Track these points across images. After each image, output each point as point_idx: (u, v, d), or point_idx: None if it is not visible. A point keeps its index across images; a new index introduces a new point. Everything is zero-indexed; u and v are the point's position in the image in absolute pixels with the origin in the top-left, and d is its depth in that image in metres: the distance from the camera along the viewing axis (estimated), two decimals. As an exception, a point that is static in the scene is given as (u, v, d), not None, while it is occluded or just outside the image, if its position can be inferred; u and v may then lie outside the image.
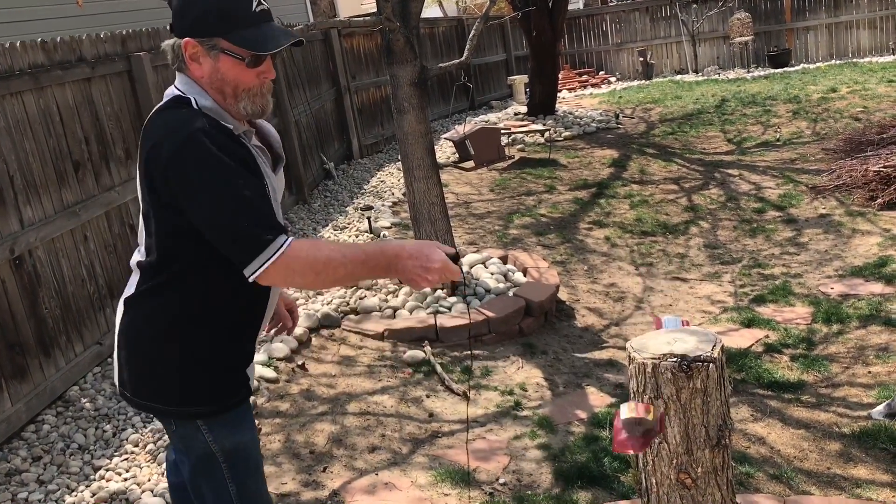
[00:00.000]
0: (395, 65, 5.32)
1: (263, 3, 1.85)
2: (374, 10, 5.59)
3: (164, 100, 1.92)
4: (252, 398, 4.24)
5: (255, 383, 2.17)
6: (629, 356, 1.90)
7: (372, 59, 11.51)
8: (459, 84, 10.75)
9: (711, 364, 1.77)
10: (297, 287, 1.80)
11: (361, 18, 5.47)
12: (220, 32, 1.81)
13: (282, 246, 1.68)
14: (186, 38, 1.84)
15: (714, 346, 1.83)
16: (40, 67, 4.53)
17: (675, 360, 1.78)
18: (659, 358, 1.81)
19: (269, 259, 1.68)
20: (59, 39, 4.74)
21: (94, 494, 3.50)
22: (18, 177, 4.26)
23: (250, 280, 1.72)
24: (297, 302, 5.67)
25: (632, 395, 1.94)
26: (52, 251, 4.45)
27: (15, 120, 4.29)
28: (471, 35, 5.40)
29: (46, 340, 4.33)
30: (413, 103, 5.38)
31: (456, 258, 1.79)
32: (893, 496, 3.28)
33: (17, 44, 4.39)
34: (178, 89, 1.89)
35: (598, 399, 4.43)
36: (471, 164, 9.62)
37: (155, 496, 3.48)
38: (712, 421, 1.79)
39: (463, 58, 5.35)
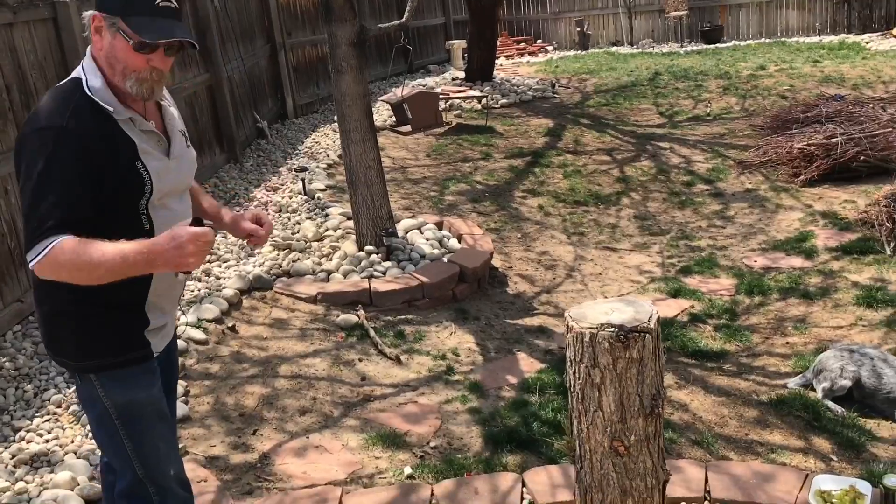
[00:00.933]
0: (334, 23, 5.22)
1: (171, 2, 2.00)
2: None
3: (69, 76, 2.07)
4: (182, 360, 4.17)
5: (158, 348, 2.21)
6: (567, 325, 1.93)
7: (309, 16, 11.27)
8: (399, 46, 10.62)
9: (648, 335, 1.81)
10: (69, 281, 1.92)
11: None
12: (121, 13, 1.96)
13: (48, 247, 1.83)
14: (95, 12, 2.00)
15: (651, 317, 1.87)
16: (-43, 10, 4.29)
17: (612, 329, 1.82)
18: (597, 328, 1.85)
19: (37, 255, 1.84)
20: (-23, -19, 4.49)
21: (13, 456, 3.40)
22: (-67, 125, 4.05)
23: (31, 266, 1.88)
24: (228, 263, 5.58)
25: (568, 364, 1.97)
26: (-31, 204, 4.26)
27: (-71, 65, 4.06)
28: (411, -4, 5.33)
29: (-37, 297, 4.16)
30: (351, 63, 5.30)
31: (199, 222, 1.89)
32: (805, 461, 3.43)
33: (-68, -17, 4.14)
34: (82, 67, 2.04)
35: (528, 364, 4.49)
36: (408, 128, 9.55)
37: (78, 458, 3.40)
38: (647, 390, 1.84)
39: (403, 19, 5.29)
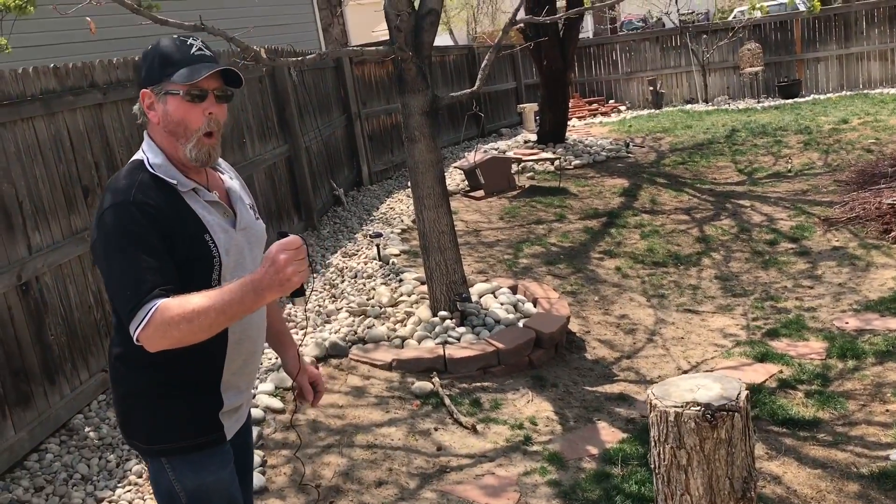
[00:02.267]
0: (407, 94, 5.30)
1: (206, 50, 2.05)
2: (386, 37, 5.60)
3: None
4: (259, 429, 4.17)
5: (231, 430, 2.18)
6: (650, 403, 1.83)
7: (383, 86, 11.54)
8: (471, 113, 10.74)
9: (737, 413, 1.70)
10: (179, 342, 1.87)
11: (374, 48, 5.46)
12: (164, 75, 2.00)
13: (150, 310, 1.83)
14: (142, 90, 2.05)
15: (739, 394, 1.76)
16: (52, 93, 4.52)
17: (698, 408, 1.72)
18: (682, 406, 1.75)
19: (141, 322, 1.83)
20: (71, 65, 4.75)
21: (95, 527, 3.44)
22: (27, 202, 4.24)
23: (136, 342, 1.87)
24: (306, 331, 5.62)
25: (652, 444, 1.87)
26: (59, 277, 4.42)
27: (25, 145, 4.28)
28: (483, 65, 5.39)
29: (52, 367, 4.28)
30: (424, 132, 5.36)
31: (283, 234, 1.85)
32: (915, 541, 3.19)
33: (30, 69, 4.39)
34: (141, 149, 2.09)
35: (609, 434, 4.34)
36: (480, 193, 9.59)
37: (157, 530, 3.41)
38: (737, 473, 1.72)
39: (474, 87, 5.34)
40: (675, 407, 1.76)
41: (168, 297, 1.84)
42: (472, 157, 9.58)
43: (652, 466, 1.89)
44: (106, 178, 4.95)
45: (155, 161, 2.04)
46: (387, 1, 5.17)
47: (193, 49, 2.03)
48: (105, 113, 5.00)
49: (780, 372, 4.92)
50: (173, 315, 1.82)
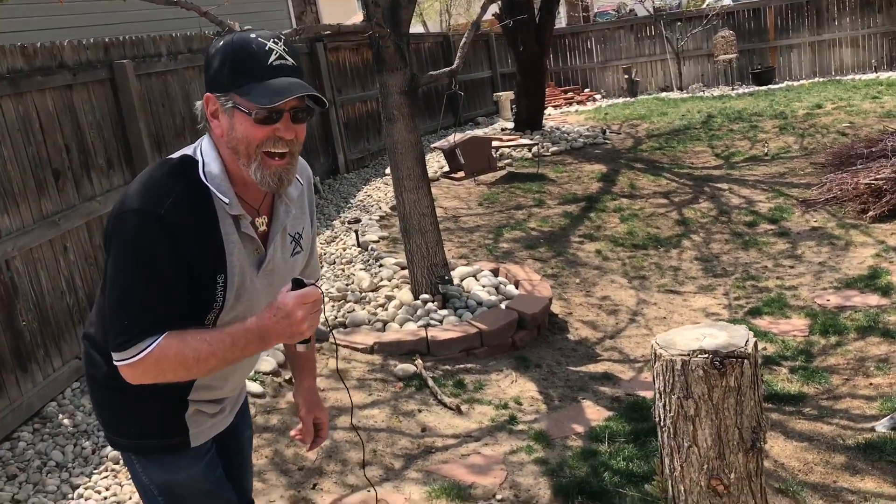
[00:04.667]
0: (385, 72, 5.22)
1: (286, 58, 1.72)
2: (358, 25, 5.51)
3: (179, 153, 1.83)
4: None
5: (203, 437, 2.02)
6: (654, 353, 1.78)
7: (358, 73, 11.42)
8: (450, 92, 10.65)
9: (745, 360, 1.65)
10: (168, 381, 1.75)
11: (351, 24, 5.37)
12: (234, 86, 1.70)
13: (146, 350, 1.68)
14: (207, 94, 1.75)
15: (747, 341, 1.71)
16: (19, 73, 4.39)
17: (706, 356, 1.66)
18: (689, 354, 1.69)
19: (132, 358, 1.69)
20: (39, 45, 4.61)
21: (71, 514, 3.34)
22: (-4, 184, 4.11)
23: (118, 366, 1.73)
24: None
25: (657, 397, 1.81)
26: (30, 262, 4.29)
27: (-7, 125, 4.15)
28: (462, 43, 5.31)
29: (23, 354, 4.16)
30: (403, 112, 5.28)
31: (301, 284, 1.68)
32: (904, 509, 3.18)
33: (-4, 47, 4.25)
34: (199, 148, 1.81)
35: (594, 413, 4.31)
36: (461, 174, 9.50)
37: (136, 515, 3.32)
38: (746, 422, 1.67)
39: (454, 65, 5.26)
40: (682, 355, 1.71)
41: (167, 331, 1.69)
42: (452, 138, 9.49)
43: (656, 420, 1.84)
44: (78, 161, 4.82)
45: (210, 170, 1.76)
46: (363, -22, 5.08)
47: (273, 57, 1.69)
48: (75, 94, 4.87)
49: (765, 349, 4.91)
50: (169, 360, 1.69)
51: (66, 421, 4.13)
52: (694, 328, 1.82)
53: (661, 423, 1.80)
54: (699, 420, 1.70)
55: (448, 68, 5.36)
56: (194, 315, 1.78)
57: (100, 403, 1.99)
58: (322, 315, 1.69)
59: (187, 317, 1.76)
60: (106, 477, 3.66)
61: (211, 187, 1.74)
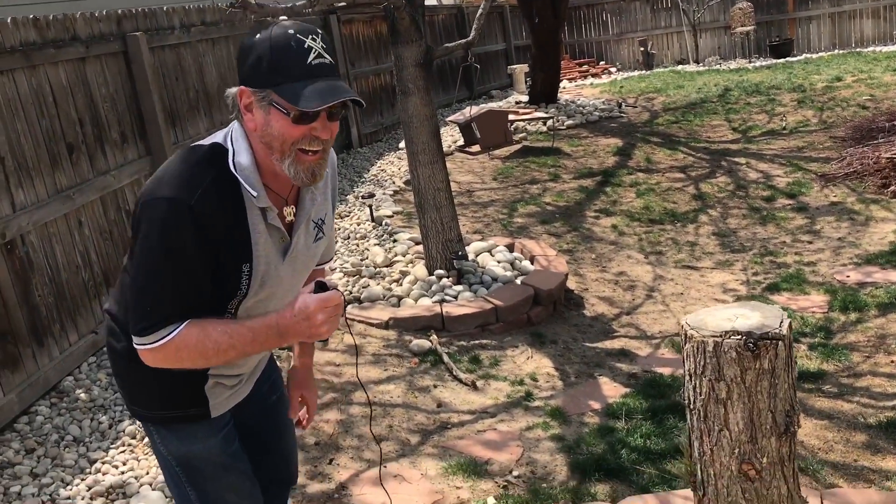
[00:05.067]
0: (400, 45, 5.15)
1: (325, 56, 1.72)
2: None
3: (210, 139, 1.82)
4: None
5: (222, 408, 2.02)
6: (684, 334, 1.74)
7: (371, 46, 11.33)
8: (466, 65, 10.52)
9: (780, 342, 1.61)
10: (188, 367, 1.79)
11: (365, -3, 5.29)
12: (271, 84, 1.69)
13: (167, 336, 1.71)
14: (242, 87, 1.75)
15: (782, 322, 1.66)
16: (32, 45, 4.35)
17: (739, 337, 1.62)
18: (721, 336, 1.65)
19: (152, 343, 1.72)
20: (51, 17, 4.57)
21: (89, 488, 3.35)
22: (10, 158, 4.09)
23: (139, 350, 1.76)
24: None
25: (687, 378, 1.78)
26: (45, 236, 4.28)
27: (6, 99, 4.12)
28: (478, 14, 5.23)
29: (39, 329, 4.16)
30: (418, 85, 5.21)
31: (323, 287, 1.71)
32: (926, 489, 3.14)
33: (8, 20, 4.21)
34: (230, 137, 1.80)
35: (611, 389, 4.28)
36: (476, 147, 9.41)
37: (154, 489, 3.33)
38: (780, 405, 1.63)
39: (470, 37, 5.18)
40: (714, 336, 1.66)
41: (189, 319, 1.71)
42: (469, 111, 9.39)
43: (686, 402, 1.80)
44: (92, 135, 4.80)
45: (241, 161, 1.76)
46: (378, -52, 4.99)
47: (311, 56, 1.69)
48: (88, 67, 4.83)
49: (783, 325, 4.86)
50: (189, 349, 1.72)
51: (82, 395, 4.14)
52: (725, 308, 1.77)
53: (691, 406, 1.76)
54: (731, 403, 1.66)
55: (464, 40, 5.29)
56: (218, 302, 1.81)
57: (120, 375, 2.01)
58: (342, 318, 1.72)
59: (211, 304, 1.78)
60: (123, 451, 3.67)
61: (240, 179, 1.74)
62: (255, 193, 1.75)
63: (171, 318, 1.71)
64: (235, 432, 2.08)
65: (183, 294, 1.72)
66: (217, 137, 1.82)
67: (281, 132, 1.70)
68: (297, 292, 1.85)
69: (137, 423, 3.87)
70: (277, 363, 2.40)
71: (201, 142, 1.82)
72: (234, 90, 1.79)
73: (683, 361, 1.77)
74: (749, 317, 1.69)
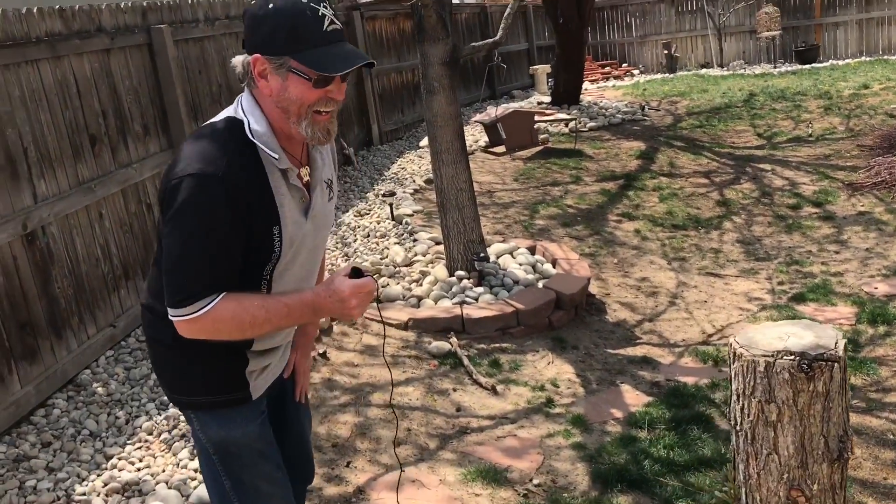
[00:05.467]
0: (427, 43, 5.09)
1: (336, 22, 1.81)
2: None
3: (221, 115, 1.88)
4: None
5: (261, 388, 2.07)
6: (733, 352, 1.67)
7: (394, 43, 11.28)
8: (492, 64, 10.45)
9: (835, 364, 1.54)
10: (224, 337, 1.83)
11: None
12: (290, 51, 1.76)
13: (203, 308, 1.74)
14: (256, 55, 1.79)
15: (837, 342, 1.59)
16: (58, 36, 4.33)
17: (792, 358, 1.55)
18: (773, 355, 1.58)
19: (188, 315, 1.75)
20: (77, 7, 4.54)
21: (105, 484, 3.31)
22: (32, 149, 4.07)
23: (175, 322, 1.79)
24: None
25: (734, 398, 1.71)
26: (65, 228, 4.26)
27: (30, 89, 4.09)
28: (505, 14, 5.17)
29: (58, 321, 4.14)
30: (444, 84, 5.15)
31: (359, 273, 1.82)
32: (960, 511, 3.05)
33: (35, 10, 4.19)
34: (240, 107, 1.87)
35: (634, 398, 4.21)
36: (501, 148, 9.33)
37: (170, 488, 3.29)
38: (833, 430, 1.56)
39: (497, 37, 5.12)
40: (766, 356, 1.59)
41: (223, 293, 1.75)
42: (494, 112, 9.32)
43: (732, 423, 1.73)
44: (115, 127, 4.77)
45: (257, 128, 1.82)
46: (407, -56, 4.93)
47: (326, 23, 1.77)
48: (113, 59, 4.81)
49: (809, 337, 4.76)
50: (226, 321, 1.76)
51: (99, 389, 4.11)
52: (776, 326, 1.70)
53: (738, 427, 1.68)
54: (781, 426, 1.59)
55: (491, 40, 5.22)
56: (255, 268, 1.86)
57: (160, 365, 2.05)
58: (374, 301, 1.81)
59: (248, 271, 1.85)
60: (139, 448, 3.63)
61: (259, 144, 1.81)
62: (275, 156, 1.81)
63: (207, 289, 1.74)
64: (269, 424, 2.11)
65: (218, 265, 1.76)
66: (228, 112, 1.87)
67: (300, 96, 1.78)
68: (318, 257, 2.06)
69: (154, 419, 3.84)
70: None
71: (213, 119, 1.88)
72: (240, 58, 1.84)
73: (730, 380, 1.69)
74: (802, 336, 1.62)
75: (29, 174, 4.02)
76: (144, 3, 5.24)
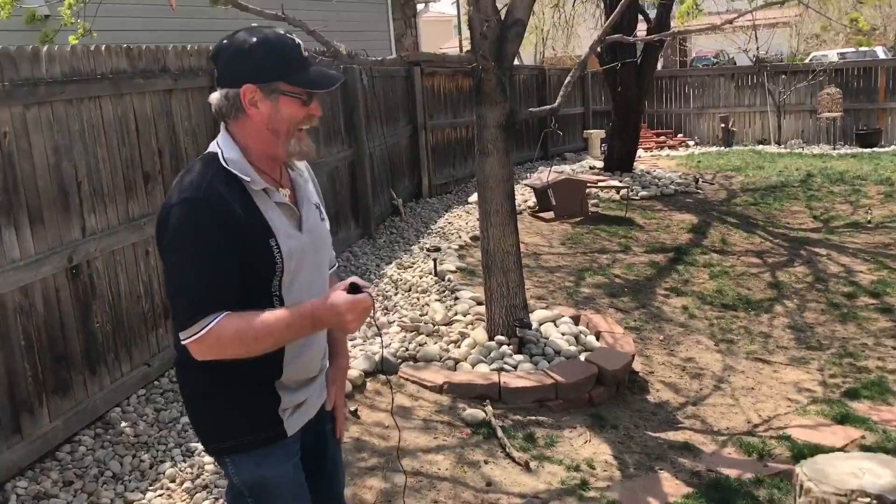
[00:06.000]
0: (484, 105, 5.06)
1: (305, 51, 2.03)
2: (453, 53, 5.37)
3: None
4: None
5: (295, 426, 2.11)
6: (800, 484, 1.54)
7: (451, 99, 11.36)
8: (548, 130, 10.45)
9: (920, 513, 1.40)
10: (231, 358, 1.89)
11: (455, 55, 5.24)
12: (282, 76, 1.94)
13: (206, 327, 1.81)
14: (246, 85, 1.93)
15: (921, 486, 1.45)
16: (122, 74, 4.39)
17: (868, 501, 1.42)
18: (846, 495, 1.45)
19: (194, 335, 1.82)
20: (144, 47, 4.62)
21: (121, 532, 3.23)
22: (87, 183, 4.10)
23: (184, 343, 1.86)
24: (353, 342, 5.38)
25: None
26: (110, 263, 4.26)
27: (90, 125, 4.14)
28: (566, 81, 5.13)
29: (94, 356, 4.11)
30: (498, 146, 5.11)
31: (357, 289, 1.88)
32: None
33: (102, 48, 4.26)
34: (216, 143, 2.02)
35: (672, 487, 4.01)
36: (550, 214, 9.25)
37: (186, 542, 3.19)
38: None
39: (555, 104, 5.07)
40: (838, 495, 1.46)
41: (226, 311, 1.82)
42: (546, 176, 9.26)
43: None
44: (169, 167, 4.80)
45: (230, 156, 1.96)
46: (473, 7, 4.95)
47: (302, 48, 2.00)
48: (174, 99, 4.86)
49: (863, 438, 4.53)
50: (230, 337, 1.82)
51: (127, 429, 4.06)
52: (847, 458, 1.57)
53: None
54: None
55: (549, 106, 5.18)
56: (262, 285, 1.96)
57: (196, 417, 2.10)
58: (371, 317, 1.89)
59: (256, 289, 1.94)
60: (161, 495, 3.55)
61: (233, 170, 1.94)
62: (248, 178, 1.94)
63: (208, 308, 1.82)
64: (301, 466, 2.14)
65: (216, 283, 1.84)
66: (209, 149, 2.03)
67: (291, 115, 1.96)
68: (324, 275, 2.16)
69: (179, 465, 3.76)
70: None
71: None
72: (217, 95, 1.98)
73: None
74: (879, 474, 1.48)
75: (80, 208, 4.04)
76: (210, 47, 5.31)
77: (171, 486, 3.62)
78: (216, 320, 1.81)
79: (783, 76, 16.24)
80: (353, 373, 4.75)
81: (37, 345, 3.71)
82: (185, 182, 1.93)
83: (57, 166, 3.90)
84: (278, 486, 2.06)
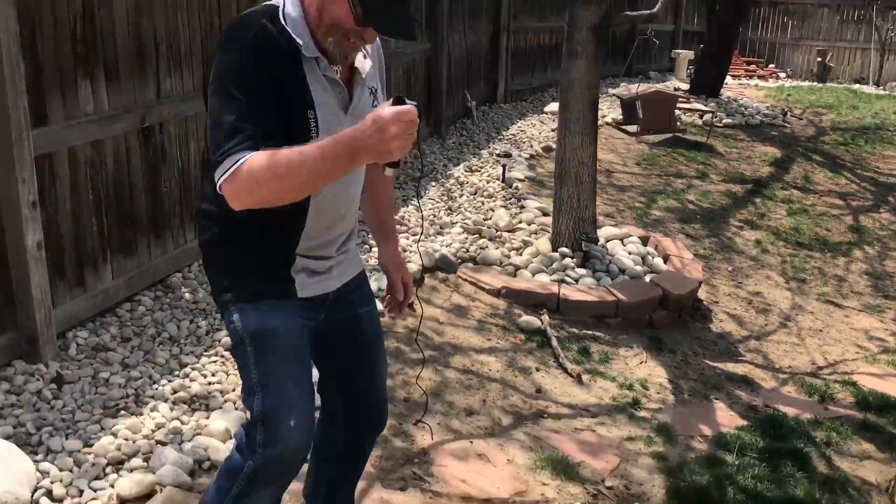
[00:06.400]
0: (578, 3, 4.79)
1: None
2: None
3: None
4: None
5: (311, 291, 2.05)
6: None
7: (537, 2, 10.93)
8: (644, 37, 10.01)
9: None
10: (265, 201, 1.74)
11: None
12: None
13: (238, 162, 1.70)
14: None
15: None
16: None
17: None
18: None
19: (227, 172, 1.71)
20: None
21: (174, 392, 3.27)
22: (164, 46, 4.03)
23: (218, 187, 1.75)
24: (419, 238, 5.33)
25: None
26: (182, 130, 4.23)
27: (172, -16, 4.03)
28: (667, -14, 4.81)
29: (160, 220, 4.13)
30: (588, 50, 4.86)
31: (401, 101, 1.64)
32: None
33: None
34: None
35: (726, 417, 3.91)
36: (635, 128, 8.93)
37: (237, 409, 3.22)
38: None
39: (654, 9, 4.78)
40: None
41: (256, 150, 1.71)
42: (635, 88, 8.91)
43: None
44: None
45: (290, 13, 1.83)
46: None
47: None
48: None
49: (934, 394, 4.34)
50: (262, 169, 1.68)
51: (187, 295, 4.10)
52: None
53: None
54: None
55: (647, 11, 4.88)
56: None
57: (211, 264, 2.06)
58: (414, 139, 1.65)
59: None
60: (214, 361, 3.59)
61: (288, 28, 1.81)
62: (300, 42, 1.81)
63: (242, 142, 1.72)
64: (311, 343, 2.06)
65: (252, 121, 1.74)
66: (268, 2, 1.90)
67: (339, 18, 1.79)
68: (363, 167, 2.02)
69: (233, 336, 3.79)
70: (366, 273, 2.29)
71: None
72: None
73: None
74: None
75: (157, 69, 3.99)
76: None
77: (226, 353, 3.64)
78: (246, 156, 1.72)
79: (894, 11, 15.22)
80: (412, 266, 4.69)
81: (104, 202, 3.73)
82: (236, 24, 1.85)
83: (136, 25, 3.83)
84: (281, 338, 1.96)
